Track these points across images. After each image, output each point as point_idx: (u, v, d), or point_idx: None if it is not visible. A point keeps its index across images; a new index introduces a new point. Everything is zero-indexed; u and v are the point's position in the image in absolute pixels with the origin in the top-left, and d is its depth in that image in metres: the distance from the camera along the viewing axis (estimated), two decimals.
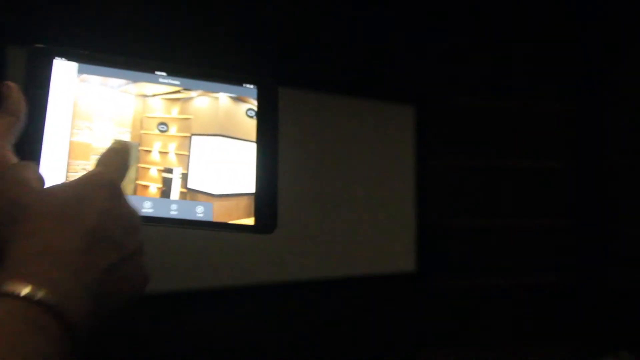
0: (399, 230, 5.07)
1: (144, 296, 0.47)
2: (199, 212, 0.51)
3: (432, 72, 5.24)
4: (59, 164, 0.48)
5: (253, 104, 0.54)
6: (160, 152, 0.52)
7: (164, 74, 0.53)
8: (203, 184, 0.51)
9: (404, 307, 5.08)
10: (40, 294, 0.35)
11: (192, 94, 0.53)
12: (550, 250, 5.57)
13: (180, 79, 0.53)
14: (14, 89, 0.46)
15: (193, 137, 0.53)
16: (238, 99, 0.54)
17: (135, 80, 0.52)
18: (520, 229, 5.46)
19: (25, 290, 0.35)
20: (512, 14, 5.47)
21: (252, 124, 0.54)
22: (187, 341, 3.95)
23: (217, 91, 0.54)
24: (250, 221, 0.53)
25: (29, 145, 0.47)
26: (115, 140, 0.48)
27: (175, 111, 0.53)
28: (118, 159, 0.45)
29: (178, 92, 0.53)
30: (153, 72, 0.53)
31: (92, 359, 0.37)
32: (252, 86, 0.55)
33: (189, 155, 0.52)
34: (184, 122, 0.53)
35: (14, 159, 0.45)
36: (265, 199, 0.53)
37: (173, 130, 0.52)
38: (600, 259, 5.48)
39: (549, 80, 5.59)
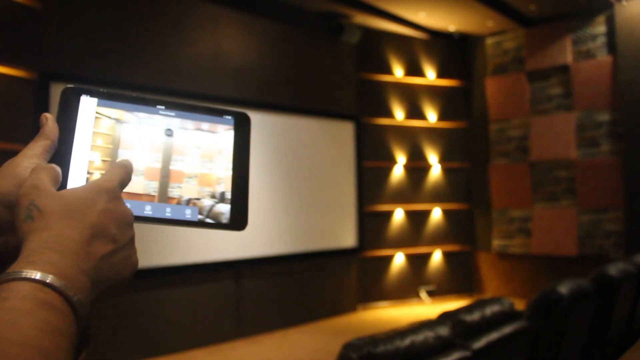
0: (345, 217, 5.07)
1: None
2: (188, 214, 0.48)
3: (365, 102, 5.28)
4: (81, 174, 0.45)
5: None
6: None
7: (163, 107, 0.49)
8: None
9: (349, 273, 5.09)
10: (49, 279, 0.34)
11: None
12: (452, 226, 5.66)
13: (175, 111, 0.49)
14: (49, 118, 0.44)
15: None
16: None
17: (140, 112, 0.48)
18: (430, 211, 5.55)
19: (37, 275, 0.34)
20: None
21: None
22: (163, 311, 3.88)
23: (203, 121, 0.50)
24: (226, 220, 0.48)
25: (60, 161, 0.44)
26: (123, 159, 0.45)
27: None
28: (122, 172, 0.43)
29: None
30: (155, 106, 0.49)
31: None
32: (229, 117, 0.51)
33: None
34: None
35: None
36: (239, 203, 0.49)
37: None
38: (486, 233, 5.62)
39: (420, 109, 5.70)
